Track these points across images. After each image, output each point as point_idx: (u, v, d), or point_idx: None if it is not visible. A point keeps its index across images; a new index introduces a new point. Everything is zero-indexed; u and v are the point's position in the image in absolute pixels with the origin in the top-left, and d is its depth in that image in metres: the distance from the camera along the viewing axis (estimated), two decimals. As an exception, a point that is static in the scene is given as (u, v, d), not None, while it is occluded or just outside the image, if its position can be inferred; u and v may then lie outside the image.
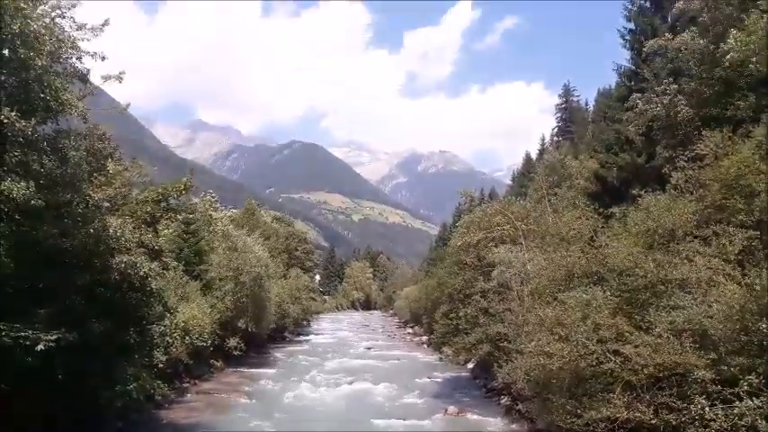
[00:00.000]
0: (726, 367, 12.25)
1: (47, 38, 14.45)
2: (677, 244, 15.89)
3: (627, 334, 14.04)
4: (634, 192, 21.81)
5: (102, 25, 15.60)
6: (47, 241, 15.18)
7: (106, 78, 16.56)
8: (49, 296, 15.48)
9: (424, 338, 58.86)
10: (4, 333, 13.56)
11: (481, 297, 35.07)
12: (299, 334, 63.98)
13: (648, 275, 14.73)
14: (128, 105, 18.54)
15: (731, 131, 18.12)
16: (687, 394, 12.58)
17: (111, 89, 20.34)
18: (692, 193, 17.89)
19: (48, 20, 14.88)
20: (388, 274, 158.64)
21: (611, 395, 13.71)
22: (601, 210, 26.17)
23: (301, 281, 68.20)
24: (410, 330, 72.82)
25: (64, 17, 15.27)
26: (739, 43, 17.21)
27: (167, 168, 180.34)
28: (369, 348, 52.68)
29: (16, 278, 14.82)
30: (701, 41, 22.01)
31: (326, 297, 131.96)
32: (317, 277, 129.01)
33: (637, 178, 26.36)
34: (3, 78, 14.55)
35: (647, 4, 29.58)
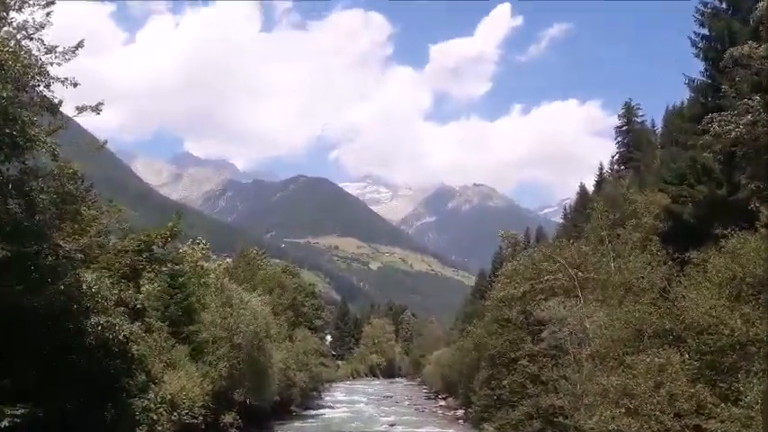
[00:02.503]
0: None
1: (11, 63, 14.43)
2: (770, 295, 15.69)
3: (710, 406, 13.83)
4: (715, 231, 21.49)
5: (76, 47, 15.70)
6: (10, 299, 15.19)
7: (81, 110, 16.60)
8: (13, 364, 15.47)
9: (460, 412, 58.27)
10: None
11: (529, 362, 34.85)
12: (307, 407, 63.47)
13: (735, 334, 14.53)
14: (105, 143, 18.62)
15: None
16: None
17: (85, 120, 20.61)
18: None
19: (12, 43, 14.94)
20: (413, 333, 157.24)
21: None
22: (674, 254, 25.79)
23: (310, 343, 67.92)
24: (442, 402, 72.13)
25: (31, 39, 15.40)
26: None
27: (150, 211, 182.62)
28: (392, 425, 52.11)
29: (-27, 343, 14.87)
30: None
31: (340, 362, 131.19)
32: (329, 338, 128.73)
33: (717, 215, 25.74)
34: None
35: (723, 5, 29.26)
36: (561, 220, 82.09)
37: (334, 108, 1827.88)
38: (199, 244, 46.46)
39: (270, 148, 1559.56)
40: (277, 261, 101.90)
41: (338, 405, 69.39)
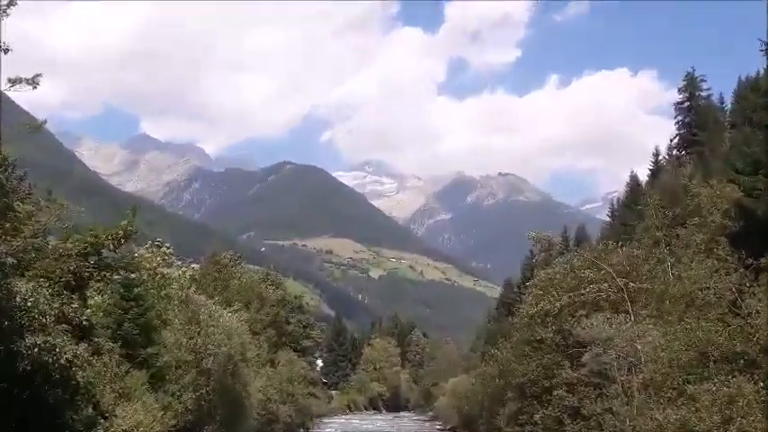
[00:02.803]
0: None
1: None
2: None
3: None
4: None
5: (8, 4, 15.27)
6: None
7: (14, 82, 16.19)
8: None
9: (482, 455, 58.24)
10: None
11: (567, 392, 34.88)
12: (293, 448, 63.50)
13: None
14: (44, 122, 18.22)
15: None
16: None
17: (19, 95, 20.14)
18: None
19: None
20: (424, 357, 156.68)
21: None
22: (747, 259, 25.45)
23: (296, 368, 67.83)
24: (460, 442, 72.21)
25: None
26: None
27: (99, 206, 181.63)
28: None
29: None
30: None
31: (333, 392, 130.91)
32: (319, 363, 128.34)
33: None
34: None
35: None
36: (607, 218, 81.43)
37: (325, 81, 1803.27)
38: (160, 247, 46.19)
39: (247, 130, 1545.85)
40: (256, 268, 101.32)
41: (331, 445, 69.35)
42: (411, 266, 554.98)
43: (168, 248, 46.57)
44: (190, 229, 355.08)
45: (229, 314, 46.83)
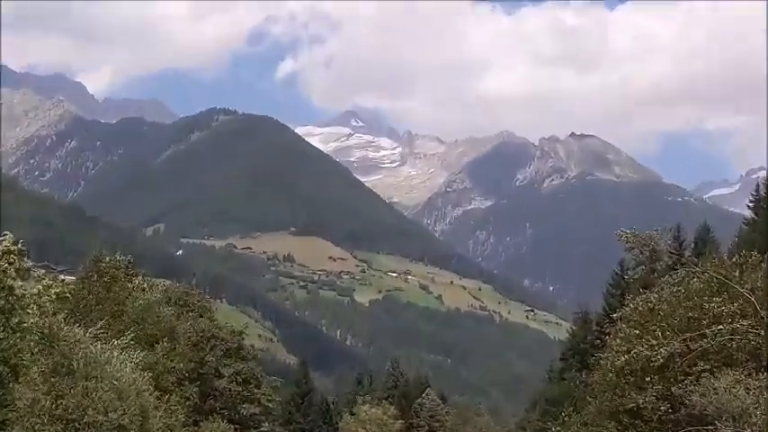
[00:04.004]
0: None
1: None
2: None
3: None
4: None
5: None
6: None
7: None
8: None
9: None
10: None
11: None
12: None
13: None
14: None
15: None
16: None
17: None
18: None
19: None
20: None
21: None
22: None
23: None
24: None
25: None
26: None
27: None
28: None
29: None
30: None
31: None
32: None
33: None
34: None
35: None
36: (747, 212, 66.87)
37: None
38: (8, 250, 32.94)
39: (154, 55, 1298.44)
40: (167, 283, 71.73)
41: None
42: (422, 286, 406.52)
43: (22, 250, 34.15)
44: (59, 217, 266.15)
45: (123, 357, 37.50)
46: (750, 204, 63.73)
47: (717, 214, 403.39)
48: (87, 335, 36.65)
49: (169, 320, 51.47)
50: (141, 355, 40.23)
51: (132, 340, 40.86)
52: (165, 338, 48.55)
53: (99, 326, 39.20)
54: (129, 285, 49.95)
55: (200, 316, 59.61)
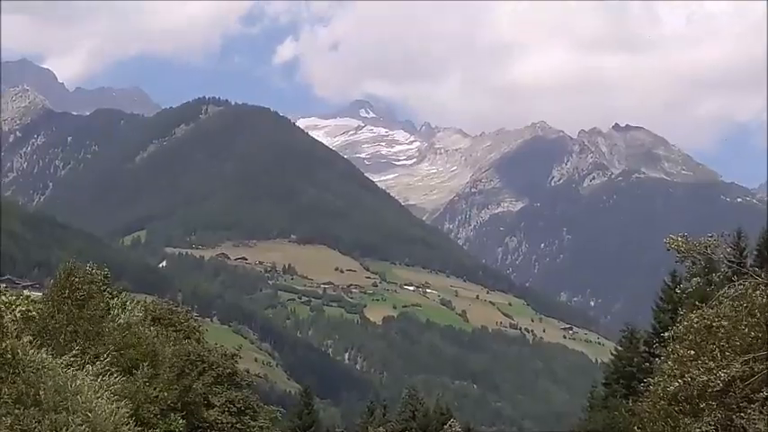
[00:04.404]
0: None
1: None
2: None
3: None
4: None
5: None
6: None
7: None
8: None
9: None
10: None
11: None
12: None
13: None
14: None
15: None
16: None
17: None
18: None
19: None
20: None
21: None
22: None
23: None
24: None
25: None
26: None
27: None
28: None
29: None
30: None
31: None
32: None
33: None
34: None
35: None
36: None
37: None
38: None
39: (133, 38, 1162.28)
40: (150, 299, 68.49)
41: None
42: (444, 301, 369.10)
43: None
44: (25, 224, 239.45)
45: (97, 385, 34.03)
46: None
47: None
48: (60, 361, 33.05)
49: (152, 342, 46.90)
50: (120, 381, 36.50)
51: (109, 365, 36.72)
52: (147, 363, 43.86)
53: (73, 351, 35.10)
54: (108, 302, 45.50)
55: (188, 337, 54.47)
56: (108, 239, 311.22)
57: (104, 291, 45.80)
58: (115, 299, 46.97)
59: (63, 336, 39.91)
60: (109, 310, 45.33)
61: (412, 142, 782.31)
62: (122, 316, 46.75)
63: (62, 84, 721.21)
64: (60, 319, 41.76)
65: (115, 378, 36.23)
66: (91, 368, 34.91)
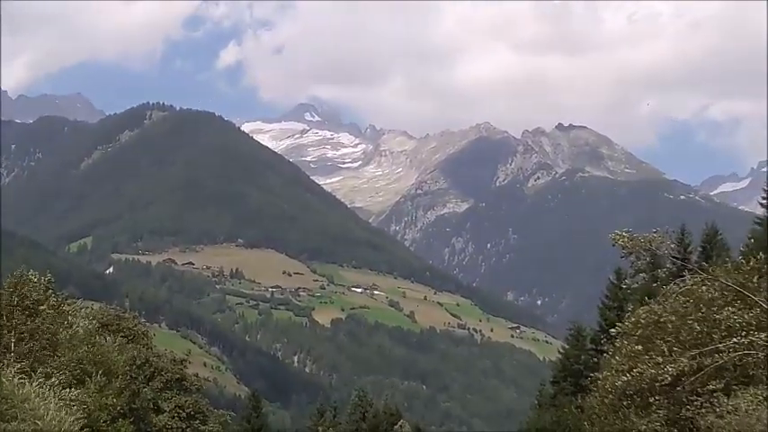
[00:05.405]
0: None
1: None
2: None
3: None
4: None
5: None
6: None
7: None
8: None
9: None
10: None
11: None
12: None
13: None
14: None
15: None
16: None
17: None
18: None
19: None
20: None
21: None
22: None
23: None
24: None
25: None
26: None
27: None
28: None
29: None
30: None
31: None
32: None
33: None
34: None
35: None
36: (761, 210, 63.63)
37: None
38: None
39: (75, 45, 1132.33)
40: (96, 306, 66.43)
41: None
42: (391, 303, 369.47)
43: None
44: None
45: (46, 393, 32.65)
46: (763, 201, 59.97)
47: (725, 213, 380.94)
48: (7, 371, 32.12)
49: (107, 351, 45.77)
50: (73, 393, 35.10)
51: (60, 373, 36.11)
52: (100, 372, 42.52)
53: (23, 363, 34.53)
54: (62, 310, 43.19)
55: (134, 341, 53.42)
56: (54, 246, 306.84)
57: (51, 297, 42.79)
58: (65, 306, 45.76)
59: (12, 349, 38.44)
60: (65, 319, 43.86)
61: (357, 145, 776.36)
62: (81, 324, 45.84)
63: (5, 91, 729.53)
64: (8, 326, 39.68)
65: (67, 386, 35.41)
66: (45, 381, 33.54)
